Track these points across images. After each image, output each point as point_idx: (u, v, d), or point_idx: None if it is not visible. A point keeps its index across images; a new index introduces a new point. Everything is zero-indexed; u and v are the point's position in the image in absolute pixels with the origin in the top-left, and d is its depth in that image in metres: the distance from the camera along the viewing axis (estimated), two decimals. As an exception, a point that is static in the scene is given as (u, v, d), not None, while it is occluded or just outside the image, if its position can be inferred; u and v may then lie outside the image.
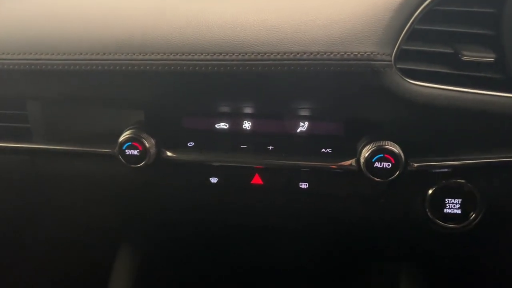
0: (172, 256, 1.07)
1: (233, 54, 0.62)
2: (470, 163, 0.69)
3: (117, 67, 0.65)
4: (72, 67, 0.67)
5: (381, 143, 0.66)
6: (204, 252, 0.95)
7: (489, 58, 0.64)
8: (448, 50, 0.65)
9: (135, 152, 0.73)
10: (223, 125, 0.76)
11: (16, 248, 0.96)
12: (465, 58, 0.63)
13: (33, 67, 0.69)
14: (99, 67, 0.66)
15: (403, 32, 0.61)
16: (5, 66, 0.70)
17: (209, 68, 0.63)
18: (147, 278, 1.05)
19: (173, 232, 0.99)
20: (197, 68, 0.63)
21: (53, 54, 0.68)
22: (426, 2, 0.62)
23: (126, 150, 0.73)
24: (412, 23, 0.62)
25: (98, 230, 1.00)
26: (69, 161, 0.81)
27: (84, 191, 0.84)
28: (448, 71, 0.64)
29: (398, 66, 0.62)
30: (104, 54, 0.66)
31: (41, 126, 0.79)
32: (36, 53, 0.69)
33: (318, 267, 0.88)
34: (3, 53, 0.70)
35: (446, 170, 0.70)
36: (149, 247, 1.07)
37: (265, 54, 0.62)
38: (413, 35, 0.63)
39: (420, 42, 0.64)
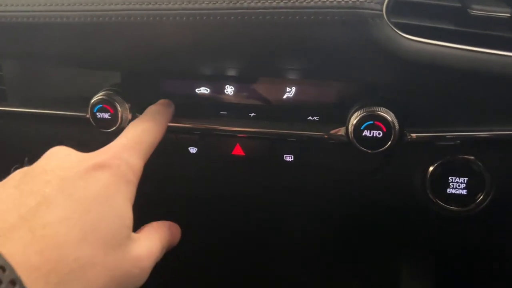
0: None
1: (203, 2, 0.55)
2: (479, 136, 0.60)
3: (82, 19, 0.59)
4: (37, 19, 0.62)
5: (372, 108, 0.58)
6: (186, 227, 0.90)
7: (504, 13, 0.55)
8: (454, 4, 0.56)
9: (106, 115, 0.67)
10: (203, 90, 0.69)
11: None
12: (474, 12, 0.54)
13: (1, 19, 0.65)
14: (64, 19, 0.61)
15: (398, -22, 0.53)
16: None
17: (177, 18, 0.56)
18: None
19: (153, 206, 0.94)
20: (164, 18, 0.57)
21: (21, 5, 0.63)
22: None
23: (97, 113, 0.68)
24: (409, -32, 0.54)
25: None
26: (46, 124, 0.76)
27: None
28: (453, 27, 0.55)
29: (392, 20, 0.53)
30: (61, 5, 0.60)
31: (17, 87, 0.76)
32: (4, 4, 0.64)
33: (308, 248, 0.81)
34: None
35: (450, 143, 0.61)
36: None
37: (238, 1, 0.54)
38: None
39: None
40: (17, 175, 0.44)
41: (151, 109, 0.62)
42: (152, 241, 0.47)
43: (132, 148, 0.50)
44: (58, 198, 0.39)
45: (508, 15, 0.55)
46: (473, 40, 0.54)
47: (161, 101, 0.65)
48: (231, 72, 0.67)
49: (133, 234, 0.45)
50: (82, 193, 0.41)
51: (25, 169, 0.45)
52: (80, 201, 0.40)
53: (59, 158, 0.45)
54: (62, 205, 0.39)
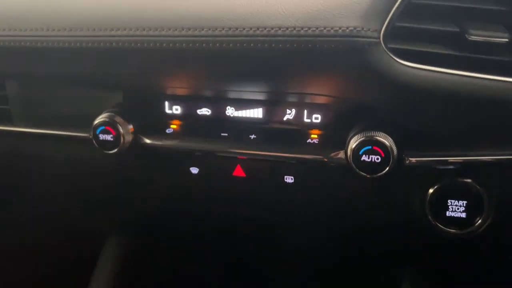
0: (156, 246, 1.02)
1: (202, 29, 0.56)
2: (477, 160, 0.59)
3: (83, 44, 0.61)
4: (40, 44, 0.64)
5: (371, 133, 0.58)
6: (189, 243, 0.91)
7: (502, 38, 0.55)
8: (452, 29, 0.56)
9: (108, 137, 0.68)
10: (205, 111, 0.70)
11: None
12: (472, 37, 0.55)
13: (5, 44, 0.66)
14: (66, 44, 0.62)
15: (396, 5, 0.53)
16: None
17: (177, 44, 0.57)
18: (131, 266, 1.01)
19: (156, 222, 0.94)
20: (164, 44, 0.58)
21: (23, 30, 0.65)
22: (424, -28, 0.54)
23: (100, 135, 0.68)
24: (407, -5, 0.54)
25: (80, 216, 0.97)
26: (49, 144, 0.77)
27: (65, 175, 0.80)
28: (451, 52, 0.56)
29: (390, 45, 0.54)
30: (71, 30, 0.62)
31: (21, 108, 0.77)
32: (6, 29, 0.66)
33: (308, 268, 0.81)
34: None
35: (449, 167, 0.61)
36: (133, 236, 1.03)
37: (237, 29, 0.55)
38: (409, 10, 0.55)
39: (417, 19, 0.55)
40: None
41: None
42: None
43: None
44: None
45: (506, 40, 0.55)
46: (471, 65, 0.55)
47: None
48: (232, 95, 0.67)
49: None
50: None
51: None
52: None
53: None
54: None
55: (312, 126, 0.66)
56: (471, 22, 0.56)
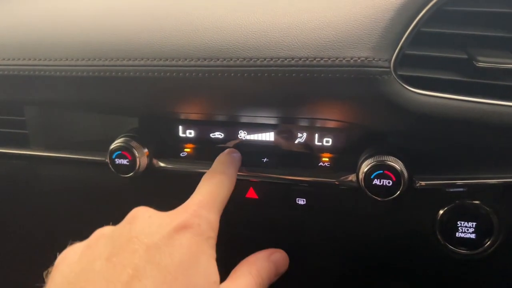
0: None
1: (218, 59, 0.58)
2: (486, 182, 0.61)
3: (97, 73, 0.63)
4: (59, 72, 0.66)
5: (382, 158, 0.60)
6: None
7: (510, 64, 0.56)
8: (461, 56, 0.57)
9: (124, 161, 0.70)
10: (218, 134, 0.72)
11: (12, 252, 0.96)
12: (480, 64, 0.56)
13: (24, 73, 0.68)
14: (84, 73, 0.64)
15: (405, 35, 0.55)
16: (-2, 72, 0.69)
17: (193, 74, 0.59)
18: None
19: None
20: (180, 74, 0.60)
21: (43, 59, 0.67)
22: (433, 2, 0.56)
23: (116, 159, 0.70)
24: (416, 25, 0.56)
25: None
26: (67, 167, 0.79)
27: (81, 197, 0.82)
28: (459, 78, 0.57)
29: (400, 73, 0.55)
30: (89, 60, 0.64)
31: (39, 132, 0.79)
32: (27, 59, 0.68)
33: (318, 285, 0.82)
34: (-4, 58, 0.69)
35: (459, 189, 0.62)
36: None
37: (251, 59, 0.57)
38: (418, 38, 0.56)
39: (427, 47, 0.57)
40: (101, 242, 0.45)
41: (220, 161, 0.63)
42: (243, 285, 0.49)
43: (209, 204, 0.52)
44: (147, 269, 0.41)
45: (514, 65, 0.56)
46: (480, 91, 0.56)
47: (228, 150, 0.66)
48: (245, 119, 0.69)
49: (222, 285, 0.47)
50: (168, 261, 0.42)
51: (108, 233, 0.47)
52: (167, 269, 0.41)
53: (142, 222, 0.47)
54: (151, 276, 0.40)
55: (324, 149, 0.68)
56: (479, 49, 0.57)
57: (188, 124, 0.73)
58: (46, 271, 0.47)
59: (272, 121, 0.69)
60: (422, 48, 0.57)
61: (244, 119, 0.69)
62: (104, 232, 0.48)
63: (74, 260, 0.45)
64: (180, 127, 0.73)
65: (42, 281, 0.46)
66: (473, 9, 0.57)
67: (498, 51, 0.58)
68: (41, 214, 0.87)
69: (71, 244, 0.49)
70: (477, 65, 0.56)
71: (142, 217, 0.48)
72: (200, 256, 0.45)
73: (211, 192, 0.55)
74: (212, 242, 0.48)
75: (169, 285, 0.41)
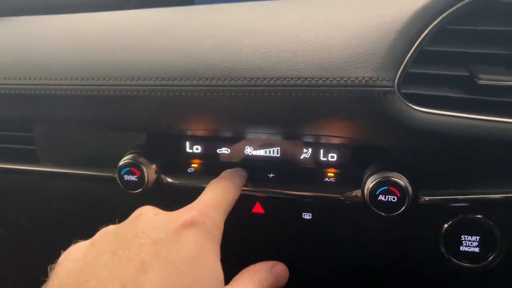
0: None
1: (225, 79, 0.59)
2: (489, 197, 0.62)
3: (106, 92, 0.64)
4: (67, 91, 0.67)
5: (387, 174, 0.61)
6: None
7: (511, 81, 0.58)
8: (462, 73, 0.59)
9: (133, 178, 0.71)
10: (224, 150, 0.73)
11: (22, 268, 0.97)
12: (481, 82, 0.57)
13: (32, 92, 0.70)
14: (93, 92, 0.66)
15: (409, 55, 0.56)
16: (6, 91, 0.70)
17: (201, 94, 0.60)
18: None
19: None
20: (189, 93, 0.61)
21: (52, 79, 0.68)
22: (435, 22, 0.57)
23: (125, 176, 0.71)
24: (420, 44, 0.57)
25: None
26: (75, 183, 0.80)
27: (90, 212, 0.83)
28: (461, 95, 0.58)
29: (403, 91, 0.57)
30: (95, 79, 0.65)
31: (47, 148, 0.80)
32: (36, 78, 0.69)
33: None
34: (5, 78, 0.70)
35: (462, 204, 0.63)
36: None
37: (258, 79, 0.58)
38: (421, 56, 0.58)
39: (429, 65, 0.58)
40: (107, 237, 0.46)
41: (227, 172, 0.65)
42: None
43: (215, 205, 0.53)
44: (154, 263, 0.41)
45: (515, 83, 0.57)
46: (481, 108, 0.57)
47: (234, 168, 0.68)
48: (251, 135, 0.70)
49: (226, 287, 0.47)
50: (175, 256, 0.43)
51: (113, 230, 0.47)
52: (174, 264, 0.42)
53: (148, 219, 0.48)
54: (158, 270, 0.41)
55: (329, 165, 0.69)
56: (481, 66, 0.59)
57: (195, 140, 0.74)
58: (50, 267, 0.47)
59: (278, 137, 0.70)
60: (425, 66, 0.58)
61: (250, 135, 0.70)
62: (109, 230, 0.48)
63: (79, 255, 0.44)
64: (187, 143, 0.74)
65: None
66: (475, 27, 0.59)
67: (500, 68, 0.59)
68: (50, 229, 0.88)
69: (76, 242, 0.49)
70: (479, 82, 0.57)
71: (148, 214, 0.49)
72: (206, 253, 0.45)
73: (217, 195, 0.56)
74: (218, 241, 0.49)
75: (175, 280, 0.41)
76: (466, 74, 0.58)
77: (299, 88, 0.56)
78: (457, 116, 0.57)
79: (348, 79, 0.55)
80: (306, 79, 0.56)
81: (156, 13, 0.76)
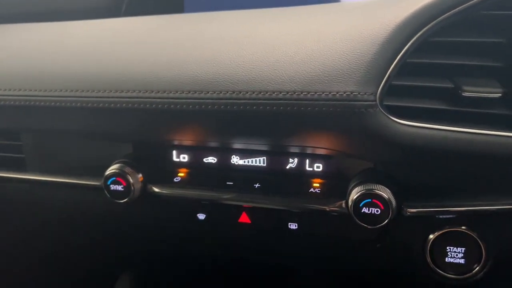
0: (168, 284, 1.05)
1: (208, 92, 0.59)
2: (475, 209, 0.62)
3: (95, 104, 0.64)
4: (54, 103, 0.67)
5: (370, 186, 0.61)
6: (197, 284, 0.93)
7: (495, 93, 0.57)
8: (447, 85, 0.58)
9: (119, 187, 0.71)
10: (211, 159, 0.73)
11: (12, 275, 0.97)
12: (466, 94, 0.57)
13: (20, 103, 0.70)
14: (78, 104, 0.65)
15: (391, 68, 0.56)
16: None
17: (184, 106, 0.60)
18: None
19: (168, 262, 0.97)
20: (171, 106, 0.61)
21: (37, 90, 0.68)
22: (418, 34, 0.56)
23: (111, 185, 0.71)
24: (402, 57, 0.56)
25: (95, 257, 0.99)
26: (62, 191, 0.80)
27: (77, 220, 0.84)
28: (446, 107, 0.58)
29: (386, 103, 0.56)
30: (82, 91, 0.65)
31: (35, 157, 0.80)
32: (24, 90, 0.69)
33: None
34: (-9, 89, 0.70)
35: (448, 216, 0.63)
36: (146, 275, 1.06)
37: (240, 92, 0.58)
38: (404, 69, 0.57)
39: (413, 77, 0.58)
40: None
41: None
42: None
43: None
44: None
45: (499, 94, 0.57)
46: (466, 120, 0.57)
47: None
48: (237, 145, 0.70)
49: None
50: None
51: None
52: None
53: None
54: None
55: (314, 175, 0.69)
56: (465, 78, 0.58)
57: (181, 149, 0.74)
58: None
59: (264, 148, 0.69)
60: (409, 79, 0.58)
61: (236, 145, 0.70)
62: None
63: None
64: (174, 152, 0.74)
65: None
66: (458, 39, 0.58)
67: (484, 80, 0.58)
68: (37, 236, 0.89)
69: None
70: (463, 94, 0.56)
71: None
72: None
73: None
74: None
75: None
76: (451, 86, 0.58)
77: (281, 101, 0.56)
78: (441, 129, 0.56)
79: (330, 93, 0.55)
80: (287, 93, 0.56)
81: (144, 22, 0.76)
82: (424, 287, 0.70)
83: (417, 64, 0.58)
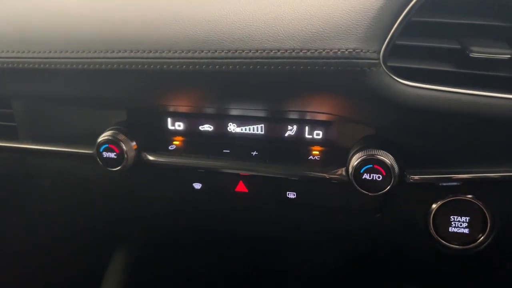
0: (165, 256, 1.03)
1: (202, 51, 0.57)
2: (480, 176, 0.59)
3: (86, 66, 0.62)
4: (43, 65, 0.65)
5: (372, 152, 0.58)
6: (198, 254, 0.91)
7: (505, 54, 0.54)
8: (454, 46, 0.55)
9: (112, 155, 0.69)
10: (207, 127, 0.71)
11: (6, 248, 0.96)
12: (474, 54, 0.54)
13: (8, 65, 0.67)
14: (69, 65, 0.63)
15: (395, 25, 0.53)
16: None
17: (177, 66, 0.58)
18: (140, 276, 1.02)
19: (165, 234, 0.95)
20: (164, 66, 0.58)
21: (26, 52, 0.66)
22: (424, -9, 0.53)
23: (103, 153, 0.69)
24: (407, 14, 0.54)
25: (90, 229, 0.98)
26: (55, 160, 0.78)
27: (72, 190, 0.81)
28: (452, 69, 0.55)
29: (389, 64, 0.53)
30: (73, 52, 0.62)
31: (27, 125, 0.77)
32: (11, 51, 0.67)
33: (310, 280, 0.81)
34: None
35: (452, 183, 0.61)
36: (143, 247, 1.04)
37: (236, 51, 0.55)
38: (409, 28, 0.54)
39: (418, 37, 0.55)
40: None
41: None
42: None
43: None
44: None
45: (509, 56, 0.54)
46: (472, 82, 0.54)
47: None
48: (234, 112, 0.67)
49: None
50: None
51: None
52: None
53: None
54: None
55: (314, 142, 0.67)
56: (473, 39, 0.55)
57: (176, 116, 0.71)
58: None
59: (262, 114, 0.67)
60: (413, 39, 0.55)
61: (233, 112, 0.68)
62: None
63: None
64: (169, 120, 0.72)
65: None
66: None
67: (492, 41, 0.56)
68: (30, 206, 0.87)
69: None
70: (471, 55, 0.54)
71: None
72: None
73: None
74: None
75: None
76: (458, 46, 0.55)
77: (279, 60, 0.54)
78: (447, 91, 0.54)
79: (331, 50, 0.52)
80: (286, 51, 0.53)
81: None
82: (427, 258, 0.67)
83: (422, 24, 0.55)
